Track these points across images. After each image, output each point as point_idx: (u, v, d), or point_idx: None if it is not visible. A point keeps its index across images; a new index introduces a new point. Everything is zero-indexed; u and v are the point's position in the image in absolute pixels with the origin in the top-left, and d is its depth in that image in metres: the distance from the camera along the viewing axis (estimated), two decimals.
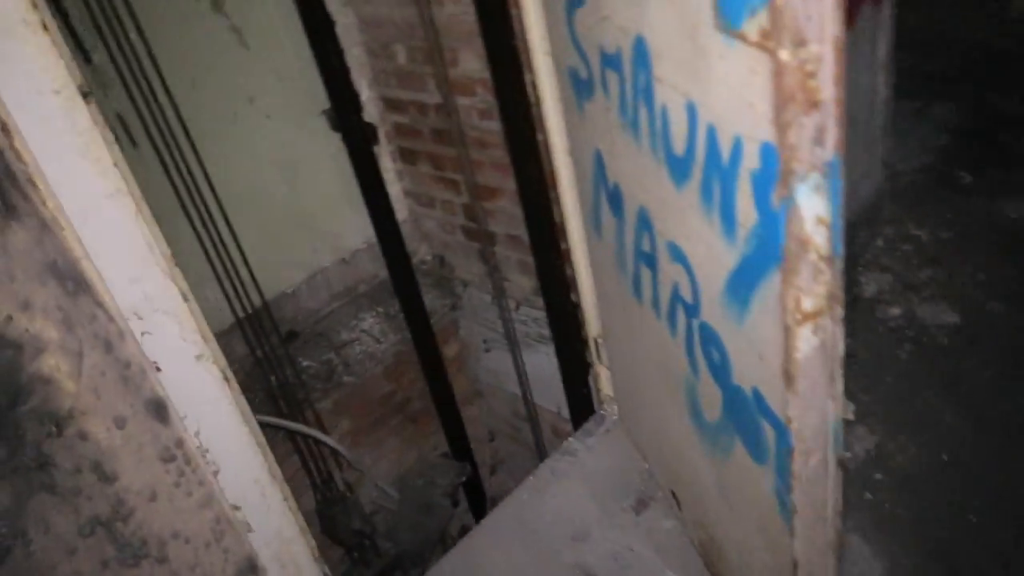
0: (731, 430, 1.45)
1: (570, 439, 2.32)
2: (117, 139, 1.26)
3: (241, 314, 2.91)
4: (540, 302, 3.24)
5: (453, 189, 3.26)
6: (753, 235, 1.14)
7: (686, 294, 1.47)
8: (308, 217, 3.17)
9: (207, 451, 1.43)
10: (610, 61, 1.48)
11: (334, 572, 3.61)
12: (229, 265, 2.84)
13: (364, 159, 3.15)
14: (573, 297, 2.91)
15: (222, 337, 3.01)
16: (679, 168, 1.34)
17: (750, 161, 1.09)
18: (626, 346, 2.04)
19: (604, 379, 2.39)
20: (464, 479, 3.74)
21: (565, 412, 3.53)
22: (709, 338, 1.43)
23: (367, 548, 3.45)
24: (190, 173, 2.67)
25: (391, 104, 3.24)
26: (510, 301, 3.37)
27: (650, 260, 1.61)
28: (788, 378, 1.16)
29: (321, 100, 3.04)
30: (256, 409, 3.09)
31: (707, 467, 1.66)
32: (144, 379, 1.10)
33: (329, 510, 3.28)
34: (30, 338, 0.97)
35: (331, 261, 3.30)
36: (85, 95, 1.20)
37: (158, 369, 1.33)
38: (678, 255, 1.46)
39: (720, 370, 1.42)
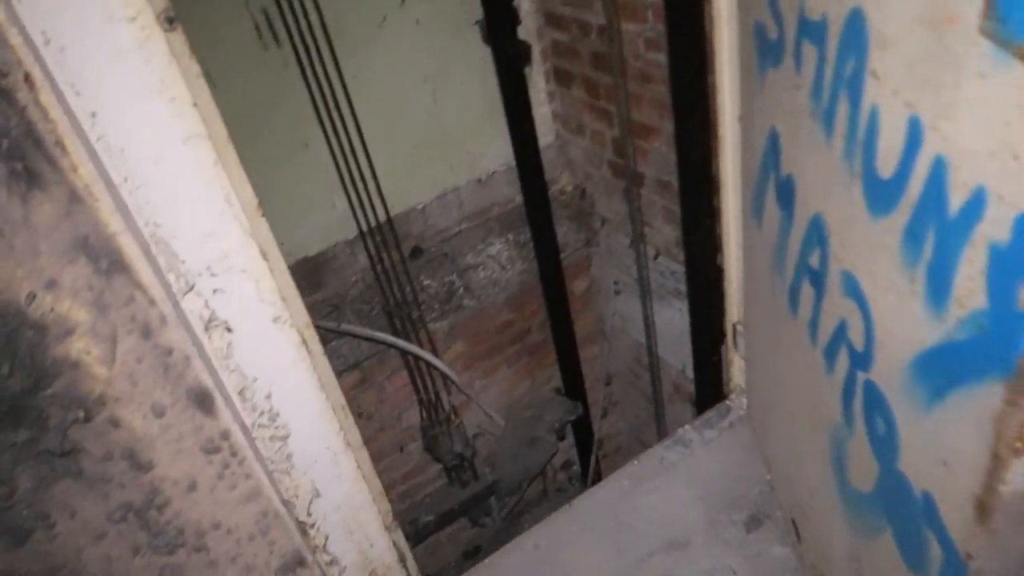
0: (882, 516, 1.18)
1: (686, 427, 2.09)
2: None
3: (365, 226, 2.82)
4: (681, 256, 2.95)
5: (605, 120, 2.95)
6: (972, 322, 0.84)
7: (855, 339, 1.18)
8: (447, 133, 2.98)
9: (277, 415, 1.33)
10: (810, 30, 1.14)
11: (432, 485, 3.66)
12: (358, 174, 2.73)
13: (513, 77, 2.88)
14: (719, 262, 2.61)
15: (346, 246, 2.95)
16: (880, 193, 1.02)
17: (994, 228, 0.78)
18: (769, 351, 1.76)
19: (737, 368, 2.12)
20: (573, 418, 3.62)
21: (689, 371, 3.29)
22: (876, 403, 1.14)
23: (465, 469, 3.44)
24: (327, 77, 2.53)
25: (552, 20, 2.92)
26: (649, 248, 3.09)
27: (816, 279, 1.31)
28: (982, 509, 0.88)
29: (476, 10, 2.77)
30: (371, 323, 3.06)
31: (843, 531, 1.40)
32: (188, 367, 0.97)
33: (433, 429, 3.26)
34: (56, 319, 0.86)
35: (466, 180, 3.12)
36: (170, 20, 1.03)
37: (228, 330, 1.21)
38: (854, 291, 1.15)
39: (883, 445, 1.13)
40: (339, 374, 3.05)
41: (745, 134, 1.63)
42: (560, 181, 3.37)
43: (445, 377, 3.17)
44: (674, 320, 3.18)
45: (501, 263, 3.24)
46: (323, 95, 2.57)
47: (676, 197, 2.79)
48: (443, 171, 3.05)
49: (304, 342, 1.32)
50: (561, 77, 3.09)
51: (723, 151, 1.76)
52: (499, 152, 3.14)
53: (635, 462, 2.00)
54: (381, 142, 2.80)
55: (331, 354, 2.97)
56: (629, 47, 2.61)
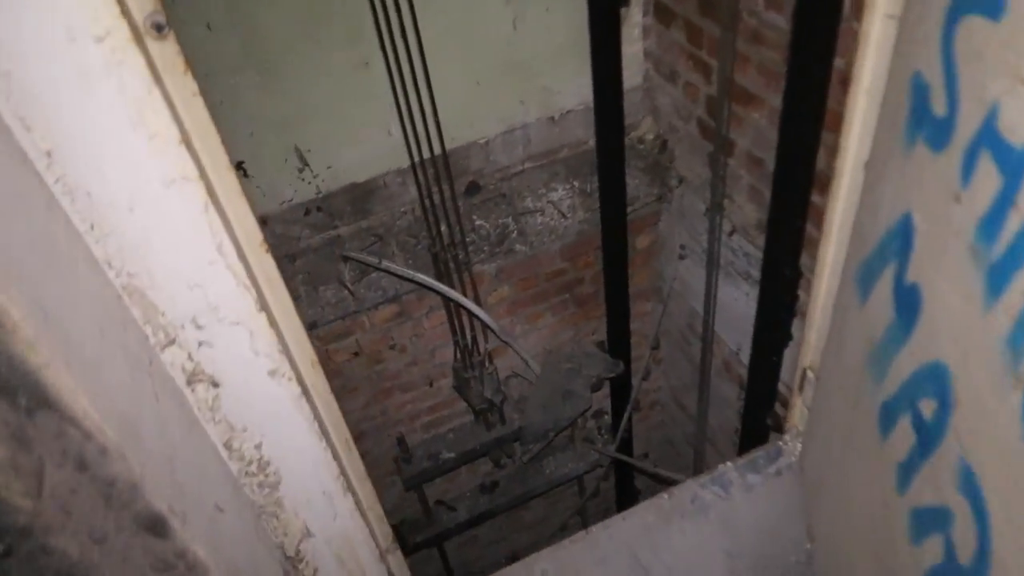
0: None
1: (728, 465, 1.90)
2: None
3: (418, 156, 2.58)
4: (759, 240, 2.66)
5: (703, 73, 2.59)
6: None
7: (960, 544, 0.94)
8: (524, 64, 2.66)
9: (268, 463, 1.19)
10: (1000, 150, 0.85)
11: (457, 419, 3.59)
12: (416, 101, 2.46)
13: (605, 8, 2.52)
14: (802, 265, 2.33)
15: (398, 175, 2.74)
16: None
17: None
18: (841, 438, 1.52)
19: (798, 411, 1.90)
20: (613, 376, 3.46)
21: (744, 355, 3.07)
22: None
23: (493, 413, 3.34)
24: None
25: None
26: (726, 222, 2.80)
27: (923, 431, 1.07)
28: None
29: None
30: (416, 258, 2.88)
31: None
32: (135, 495, 0.81)
33: (465, 373, 3.14)
34: None
35: (536, 118, 2.83)
36: (159, 27, 0.81)
37: (215, 385, 1.06)
38: (972, 493, 0.91)
39: None
40: (376, 306, 2.92)
41: (869, 187, 1.33)
42: (640, 128, 3.04)
43: (484, 323, 3.01)
44: (738, 301, 2.93)
45: (562, 211, 2.98)
46: (385, 10, 2.27)
47: (767, 178, 2.47)
48: (512, 105, 2.76)
49: (305, 392, 1.15)
50: (661, 13, 2.70)
51: (835, 190, 1.46)
52: (578, 90, 2.82)
53: (665, 496, 1.84)
54: (447, 68, 2.51)
55: (370, 285, 2.82)
56: (746, 1, 2.22)
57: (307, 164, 2.58)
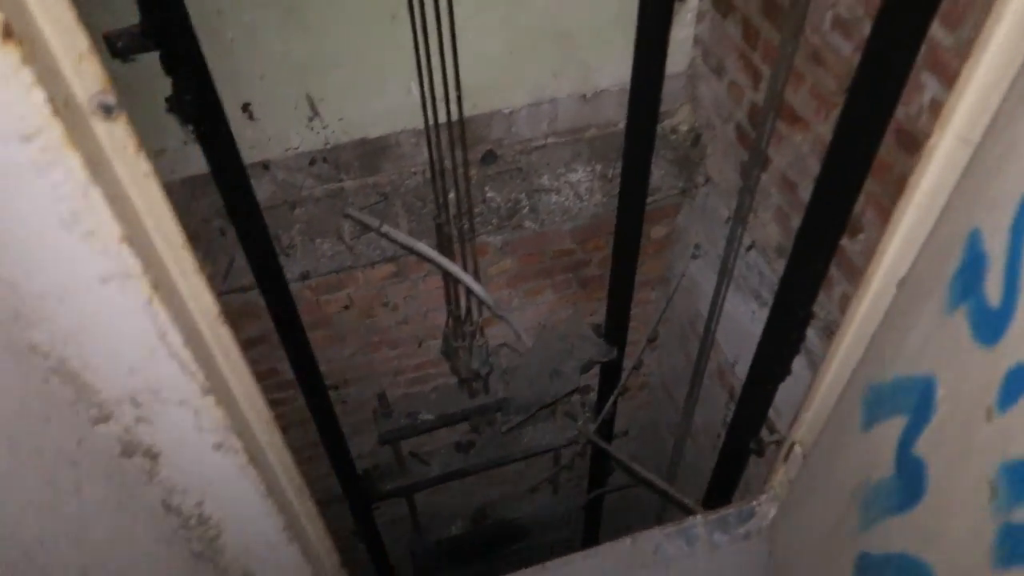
0: None
1: (697, 517, 1.84)
2: None
3: (433, 119, 2.41)
4: (777, 264, 2.53)
5: (752, 77, 2.40)
6: None
7: None
8: (563, 35, 2.47)
9: (208, 518, 1.13)
10: None
11: (441, 379, 3.54)
12: (439, 62, 2.28)
13: None
14: (815, 315, 2.21)
15: (412, 136, 2.59)
16: None
17: None
18: (813, 551, 1.44)
19: (778, 477, 1.82)
20: (604, 361, 3.39)
21: (740, 369, 2.99)
22: None
23: (478, 382, 3.29)
24: None
25: None
26: (746, 236, 2.66)
27: None
28: None
29: None
30: (421, 221, 2.76)
31: None
32: None
33: (455, 341, 3.07)
34: None
35: (568, 93, 2.65)
36: (108, 109, 0.68)
37: (152, 457, 0.98)
38: None
39: None
40: (373, 264, 2.82)
41: (899, 312, 1.20)
42: (676, 116, 2.86)
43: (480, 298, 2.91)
44: (743, 316, 2.82)
45: (579, 193, 2.84)
46: None
47: (798, 204, 2.33)
48: (544, 78, 2.57)
49: (254, 458, 1.07)
50: (720, 2, 2.48)
51: (863, 290, 1.33)
52: (616, 69, 2.63)
53: (628, 540, 1.78)
54: (481, 32, 2.33)
55: (369, 243, 2.71)
56: (813, 15, 2.02)
57: (318, 113, 2.42)
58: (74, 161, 0.64)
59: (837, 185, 1.92)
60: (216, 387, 0.93)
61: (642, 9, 2.31)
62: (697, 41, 2.64)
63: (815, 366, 2.50)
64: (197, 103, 1.93)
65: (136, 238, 0.73)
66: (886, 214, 2.03)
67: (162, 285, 0.78)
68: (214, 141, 2.02)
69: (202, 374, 0.89)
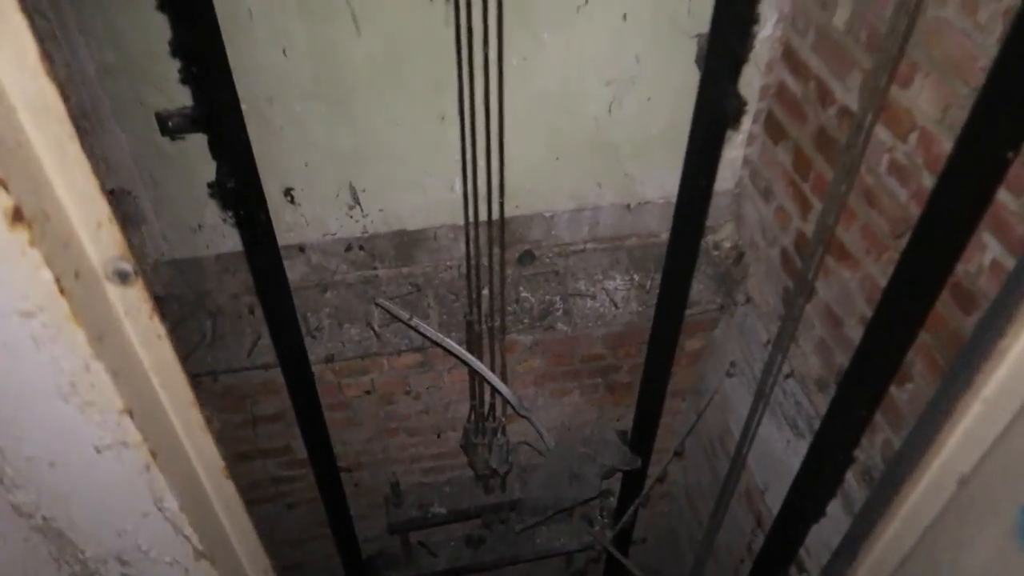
0: None
1: None
2: None
3: (473, 219, 2.39)
4: (817, 397, 2.43)
5: (801, 206, 2.35)
6: None
7: None
8: (610, 148, 2.45)
9: None
10: None
11: (457, 471, 3.45)
12: (486, 165, 2.27)
13: (712, 125, 2.28)
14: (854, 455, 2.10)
15: (451, 231, 2.57)
16: None
17: None
18: None
19: None
20: (627, 470, 3.27)
21: (770, 497, 2.86)
22: None
23: (495, 479, 3.19)
24: (485, 49, 2.01)
25: (791, 58, 2.26)
26: (786, 364, 2.56)
27: None
28: None
29: (700, 19, 2.16)
30: (452, 315, 2.71)
31: None
32: None
33: (475, 438, 2.98)
34: None
35: (611, 203, 2.62)
36: (123, 276, 0.65)
37: None
38: None
39: None
40: (399, 353, 2.77)
41: (963, 504, 1.10)
42: (719, 232, 2.81)
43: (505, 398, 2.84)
44: (778, 443, 2.70)
45: (615, 301, 2.78)
46: (471, 69, 2.07)
47: (842, 340, 2.25)
48: (588, 186, 2.56)
49: None
50: (772, 127, 2.45)
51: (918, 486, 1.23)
52: (662, 183, 2.60)
53: None
54: (528, 138, 2.33)
55: (397, 332, 2.67)
56: (872, 154, 1.97)
57: (358, 203, 2.42)
58: (78, 336, 0.60)
59: (888, 335, 1.83)
60: (213, 546, 0.87)
61: (694, 131, 2.29)
62: (746, 162, 2.60)
63: (851, 510, 2.37)
64: (239, 191, 1.93)
65: (139, 406, 0.68)
66: (937, 367, 1.94)
67: (163, 449, 0.73)
68: (252, 228, 2.01)
69: (197, 536, 0.83)
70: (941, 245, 1.59)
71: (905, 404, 2.04)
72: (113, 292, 0.65)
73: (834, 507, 2.28)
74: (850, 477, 2.25)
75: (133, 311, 0.67)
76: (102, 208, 0.62)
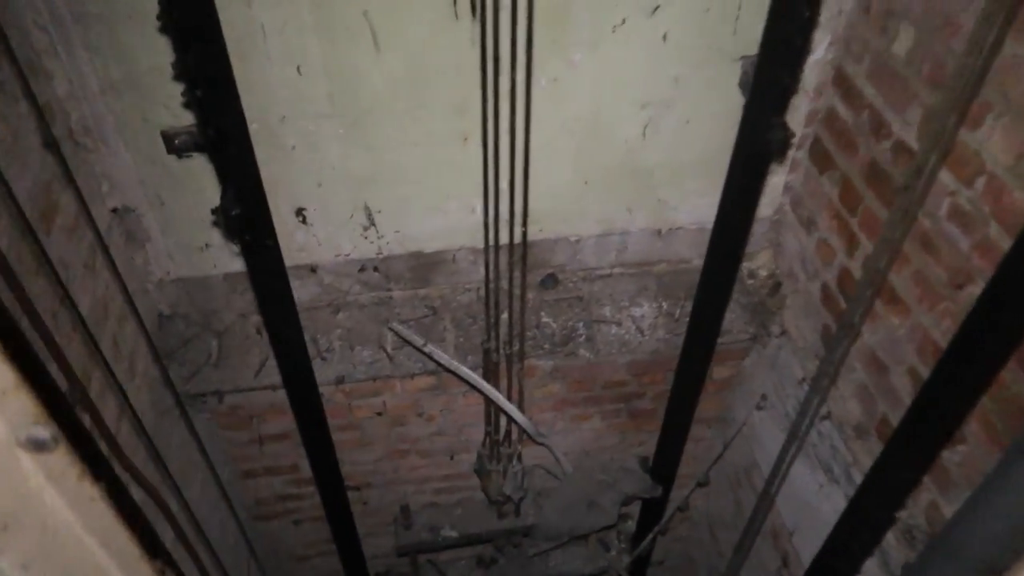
0: None
1: None
2: None
3: (493, 242, 2.25)
4: (854, 442, 2.28)
5: (846, 242, 2.19)
6: None
7: None
8: (643, 173, 2.30)
9: None
10: None
11: (469, 493, 3.33)
12: (509, 189, 2.12)
13: (755, 157, 2.11)
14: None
15: (470, 254, 2.44)
16: None
17: None
18: None
19: None
20: (647, 498, 3.14)
21: (798, 541, 2.71)
22: None
23: (508, 504, 3.07)
24: (513, 71, 1.86)
25: (842, 83, 2.09)
26: (822, 406, 2.41)
27: None
28: None
29: (747, 41, 1.99)
30: (469, 338, 2.58)
31: None
32: None
33: (489, 464, 2.86)
34: None
35: (641, 228, 2.47)
36: (39, 444, 0.52)
37: None
38: None
39: None
40: (412, 376, 2.65)
41: None
42: (755, 260, 2.65)
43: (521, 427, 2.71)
44: (809, 486, 2.55)
45: (641, 328, 2.63)
46: (496, 91, 1.92)
47: (886, 390, 2.09)
48: (617, 211, 2.41)
49: None
50: (818, 155, 2.28)
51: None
52: (695, 209, 2.45)
53: None
54: (554, 162, 2.19)
55: (410, 355, 2.55)
56: (930, 198, 1.81)
57: (374, 224, 2.29)
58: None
59: (947, 395, 1.67)
60: None
61: (734, 161, 2.13)
62: (787, 188, 2.44)
63: (889, 569, 2.22)
64: (245, 217, 1.81)
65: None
66: (993, 431, 1.77)
67: None
68: (258, 255, 1.89)
69: None
70: (1017, 306, 1.43)
71: (955, 467, 1.88)
72: (27, 462, 0.53)
73: (871, 564, 2.14)
74: (890, 536, 2.10)
75: (56, 477, 0.55)
76: (6, 376, 0.49)
